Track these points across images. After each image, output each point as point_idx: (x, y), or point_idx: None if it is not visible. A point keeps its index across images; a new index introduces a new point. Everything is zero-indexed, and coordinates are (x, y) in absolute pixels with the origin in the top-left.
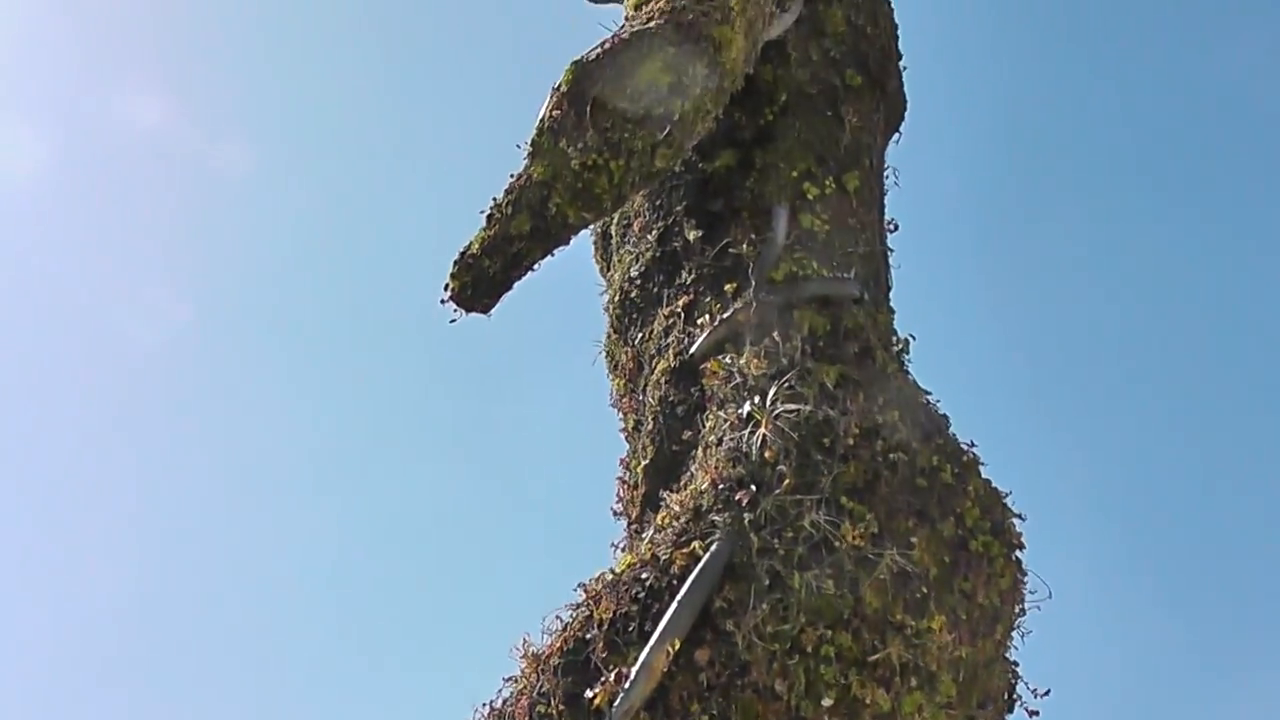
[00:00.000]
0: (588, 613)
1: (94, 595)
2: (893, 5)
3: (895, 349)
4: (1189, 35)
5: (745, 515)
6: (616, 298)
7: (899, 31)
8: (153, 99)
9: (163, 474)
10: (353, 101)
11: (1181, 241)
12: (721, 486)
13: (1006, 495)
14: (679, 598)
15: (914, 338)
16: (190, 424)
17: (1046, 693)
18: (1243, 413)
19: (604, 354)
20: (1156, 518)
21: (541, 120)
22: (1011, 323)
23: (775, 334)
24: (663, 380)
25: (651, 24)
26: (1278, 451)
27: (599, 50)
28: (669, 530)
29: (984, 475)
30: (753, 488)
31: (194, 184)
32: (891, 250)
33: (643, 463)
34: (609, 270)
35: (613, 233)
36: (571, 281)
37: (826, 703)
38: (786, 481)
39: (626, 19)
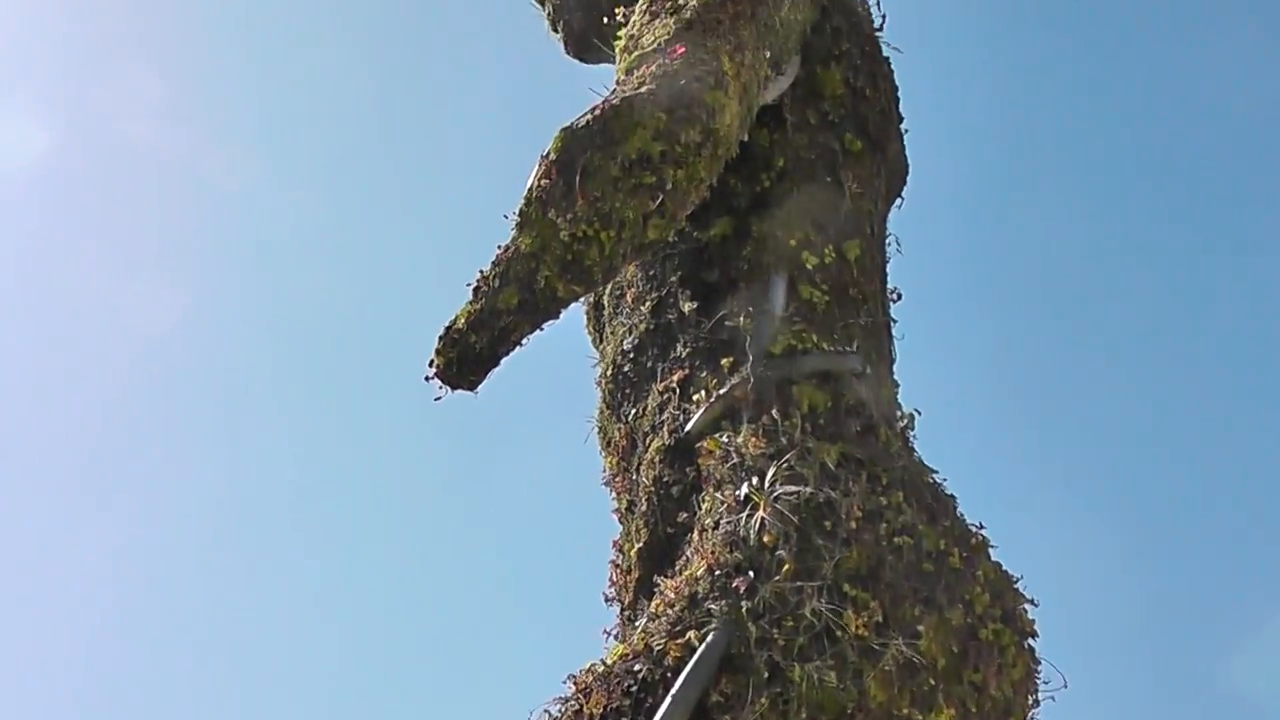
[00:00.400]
0: (577, 707)
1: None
2: (892, 66)
3: (899, 425)
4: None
5: (743, 603)
6: (609, 372)
7: (899, 93)
8: (153, 91)
9: (162, 475)
10: (357, 111)
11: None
12: (718, 573)
13: (1018, 580)
14: (673, 692)
15: (919, 412)
16: (186, 417)
17: None
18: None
19: (596, 430)
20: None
21: (529, 189)
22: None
23: (774, 411)
24: (657, 459)
25: (643, 89)
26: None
27: (588, 117)
28: (663, 619)
29: (994, 559)
30: (751, 574)
31: (193, 176)
32: (894, 320)
33: (636, 546)
34: (601, 343)
35: (605, 304)
36: (563, 353)
37: None
38: (786, 567)
39: (617, 83)
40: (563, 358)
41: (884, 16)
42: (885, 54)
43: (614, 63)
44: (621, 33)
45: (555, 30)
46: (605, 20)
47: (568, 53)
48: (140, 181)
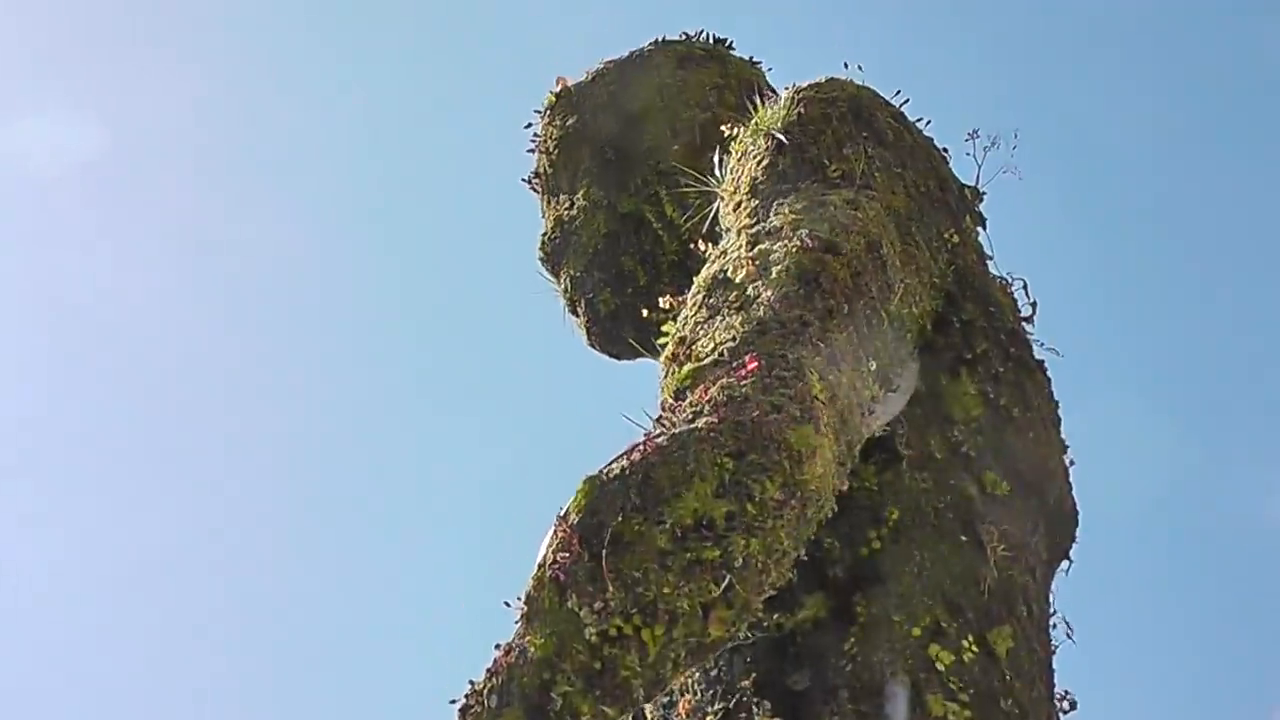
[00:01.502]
0: None
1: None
2: (1049, 374)
3: None
4: None
5: None
6: None
7: (1060, 410)
8: (201, 89)
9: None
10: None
11: None
12: None
13: None
14: None
15: None
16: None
17: None
18: None
19: None
20: None
21: (541, 565)
22: None
23: None
24: None
25: (699, 424)
26: None
27: (623, 463)
28: None
29: None
30: None
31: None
32: None
33: None
34: None
35: (650, 717)
36: None
37: None
38: None
39: (663, 409)
40: None
41: (1034, 304)
42: (1038, 356)
43: (656, 360)
44: (667, 328)
45: (574, 313)
46: (645, 311)
47: (590, 344)
48: (188, 181)
